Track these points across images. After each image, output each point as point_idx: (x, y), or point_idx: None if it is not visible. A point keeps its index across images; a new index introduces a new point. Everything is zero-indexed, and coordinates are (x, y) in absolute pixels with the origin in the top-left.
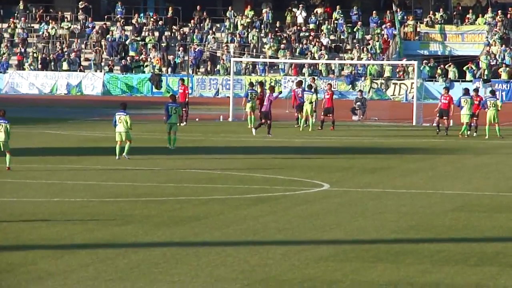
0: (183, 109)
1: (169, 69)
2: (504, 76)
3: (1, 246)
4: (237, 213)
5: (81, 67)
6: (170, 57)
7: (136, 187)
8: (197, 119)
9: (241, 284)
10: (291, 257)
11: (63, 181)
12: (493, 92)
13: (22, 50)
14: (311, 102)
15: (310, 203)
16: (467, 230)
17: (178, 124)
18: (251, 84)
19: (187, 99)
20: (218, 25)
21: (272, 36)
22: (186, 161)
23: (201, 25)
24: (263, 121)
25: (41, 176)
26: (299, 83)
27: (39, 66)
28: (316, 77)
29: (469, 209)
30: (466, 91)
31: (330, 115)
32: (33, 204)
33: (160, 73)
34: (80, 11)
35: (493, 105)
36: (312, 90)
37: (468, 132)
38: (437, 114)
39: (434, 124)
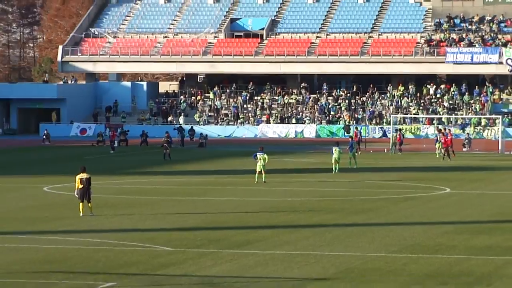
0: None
1: (355, 122)
2: None
3: (257, 226)
4: (395, 206)
5: (303, 121)
6: (355, 115)
7: (336, 191)
8: (371, 151)
9: (398, 247)
10: (428, 232)
11: (293, 188)
12: None
13: (269, 112)
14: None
15: (438, 200)
16: None
17: (356, 153)
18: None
19: (358, 139)
20: (382, 95)
21: (415, 102)
22: (363, 175)
23: (373, 95)
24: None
25: (282, 185)
26: (439, 130)
27: (279, 121)
28: (440, 126)
29: None
30: None
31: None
32: (275, 202)
33: (349, 124)
34: (302, 88)
35: None
36: (440, 133)
37: None
38: None
39: None
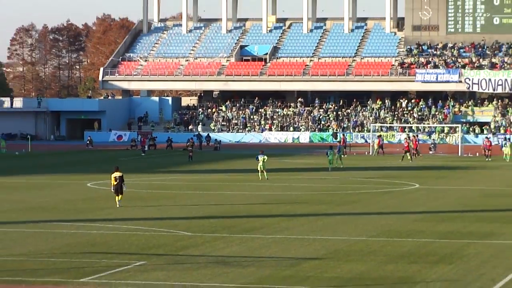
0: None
1: (341, 130)
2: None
3: (262, 215)
4: (374, 198)
5: (299, 129)
6: (342, 124)
7: (326, 186)
8: (355, 154)
9: (376, 232)
10: (400, 220)
11: (291, 184)
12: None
13: (271, 121)
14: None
15: (410, 193)
16: (485, 206)
17: (343, 155)
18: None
19: (344, 144)
20: (364, 108)
21: (391, 113)
22: (349, 173)
23: (356, 108)
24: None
25: (282, 181)
26: (408, 137)
27: (279, 129)
28: (410, 133)
29: (488, 194)
30: (506, 139)
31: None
32: (276, 195)
33: (336, 131)
34: (298, 102)
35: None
36: (409, 139)
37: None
38: (483, 150)
39: (477, 154)
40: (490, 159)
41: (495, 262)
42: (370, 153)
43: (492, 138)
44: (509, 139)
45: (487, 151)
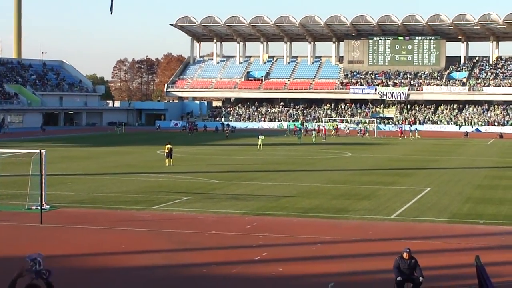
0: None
1: (306, 121)
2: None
3: (259, 170)
4: (324, 161)
5: (281, 120)
6: (306, 118)
7: (297, 154)
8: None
9: (326, 181)
10: (340, 174)
11: (276, 152)
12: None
13: (265, 115)
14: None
15: (345, 158)
16: (390, 166)
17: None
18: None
19: (306, 129)
20: (319, 109)
21: (335, 112)
22: (310, 147)
23: (314, 109)
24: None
25: (271, 151)
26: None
27: (270, 120)
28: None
29: (392, 159)
30: (403, 128)
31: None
32: (268, 159)
33: (303, 122)
34: (281, 105)
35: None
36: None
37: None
38: (399, 134)
39: (386, 136)
40: (401, 139)
41: (395, 199)
42: (323, 139)
43: (396, 127)
44: (404, 127)
45: (400, 134)
